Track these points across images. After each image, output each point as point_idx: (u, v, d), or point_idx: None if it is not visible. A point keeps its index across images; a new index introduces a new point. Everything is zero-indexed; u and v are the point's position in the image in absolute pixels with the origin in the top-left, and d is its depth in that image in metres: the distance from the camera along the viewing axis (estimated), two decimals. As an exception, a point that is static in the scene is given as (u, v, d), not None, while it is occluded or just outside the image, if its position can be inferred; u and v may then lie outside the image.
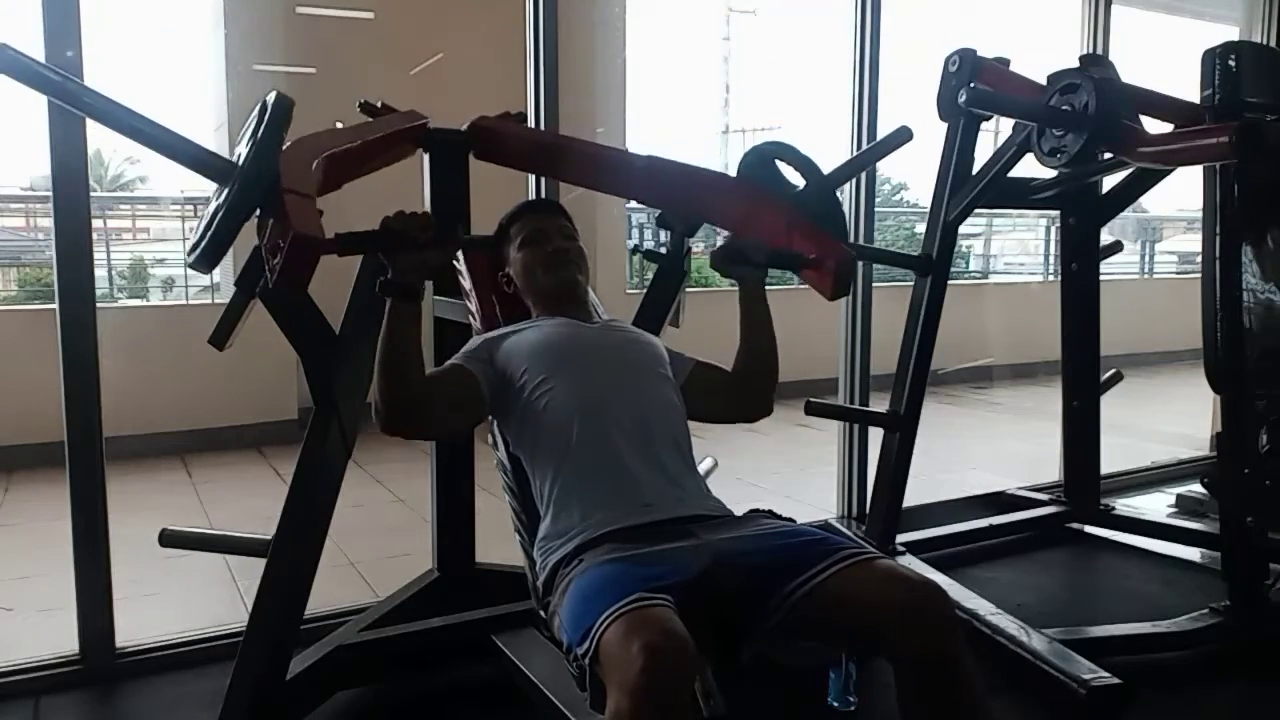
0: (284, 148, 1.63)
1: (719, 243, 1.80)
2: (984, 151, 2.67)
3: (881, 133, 3.05)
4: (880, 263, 3.16)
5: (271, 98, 1.65)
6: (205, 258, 1.57)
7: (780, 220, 1.86)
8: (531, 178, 2.58)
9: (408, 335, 1.45)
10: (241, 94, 4.76)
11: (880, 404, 2.86)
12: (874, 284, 3.17)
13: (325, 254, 1.43)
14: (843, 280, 1.75)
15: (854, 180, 3.10)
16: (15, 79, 1.51)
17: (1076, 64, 2.52)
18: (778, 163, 1.96)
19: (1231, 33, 4.27)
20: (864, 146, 3.05)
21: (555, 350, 1.64)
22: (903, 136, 2.12)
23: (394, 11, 5.14)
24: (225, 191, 1.58)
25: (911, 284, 2.75)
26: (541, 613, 1.55)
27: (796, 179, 1.97)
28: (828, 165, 1.99)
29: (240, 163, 1.60)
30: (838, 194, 2.00)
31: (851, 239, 3.10)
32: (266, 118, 1.61)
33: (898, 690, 1.34)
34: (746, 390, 1.73)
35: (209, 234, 1.56)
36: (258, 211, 1.56)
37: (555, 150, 2.24)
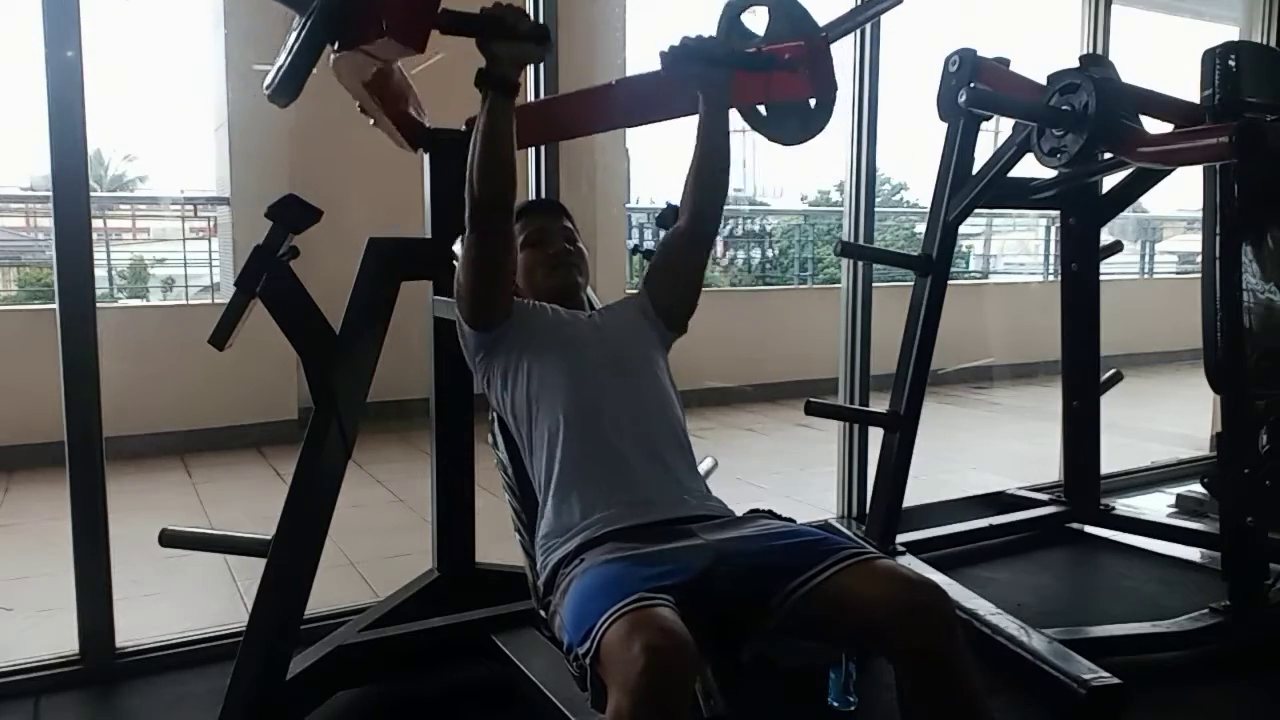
0: None
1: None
2: (984, 151, 2.67)
3: (882, 133, 3.06)
4: (880, 263, 3.16)
5: None
6: (285, 86, 1.51)
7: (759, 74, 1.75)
8: (532, 178, 2.58)
9: (505, 128, 1.47)
10: (241, 94, 4.76)
11: (880, 404, 2.86)
12: (874, 284, 3.17)
13: (430, 28, 1.41)
14: (823, 69, 1.65)
15: (854, 180, 3.10)
16: None
17: (1076, 64, 2.52)
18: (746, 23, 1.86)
19: (1231, 33, 4.27)
20: (864, 147, 3.05)
21: (560, 342, 1.65)
22: None
23: (394, 11, 5.13)
24: (307, 14, 1.51)
25: (911, 284, 2.75)
26: (542, 612, 1.55)
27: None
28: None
29: None
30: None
31: (851, 239, 3.11)
32: None
33: (898, 690, 1.34)
34: (700, 205, 1.72)
35: (289, 60, 1.50)
36: (336, 45, 1.50)
37: (541, 115, 2.22)
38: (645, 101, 1.99)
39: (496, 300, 1.63)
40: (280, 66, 1.52)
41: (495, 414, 1.74)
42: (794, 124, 1.87)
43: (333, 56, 1.57)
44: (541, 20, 2.54)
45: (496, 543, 2.26)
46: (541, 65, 2.56)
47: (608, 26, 5.57)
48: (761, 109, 1.91)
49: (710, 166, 1.71)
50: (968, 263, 9.23)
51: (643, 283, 1.80)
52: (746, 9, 1.87)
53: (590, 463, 1.55)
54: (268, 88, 1.55)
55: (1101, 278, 3.09)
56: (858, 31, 3.07)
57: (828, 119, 1.80)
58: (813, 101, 1.80)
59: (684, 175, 1.73)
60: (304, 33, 1.49)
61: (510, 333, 1.64)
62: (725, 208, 1.83)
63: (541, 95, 2.55)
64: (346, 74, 1.72)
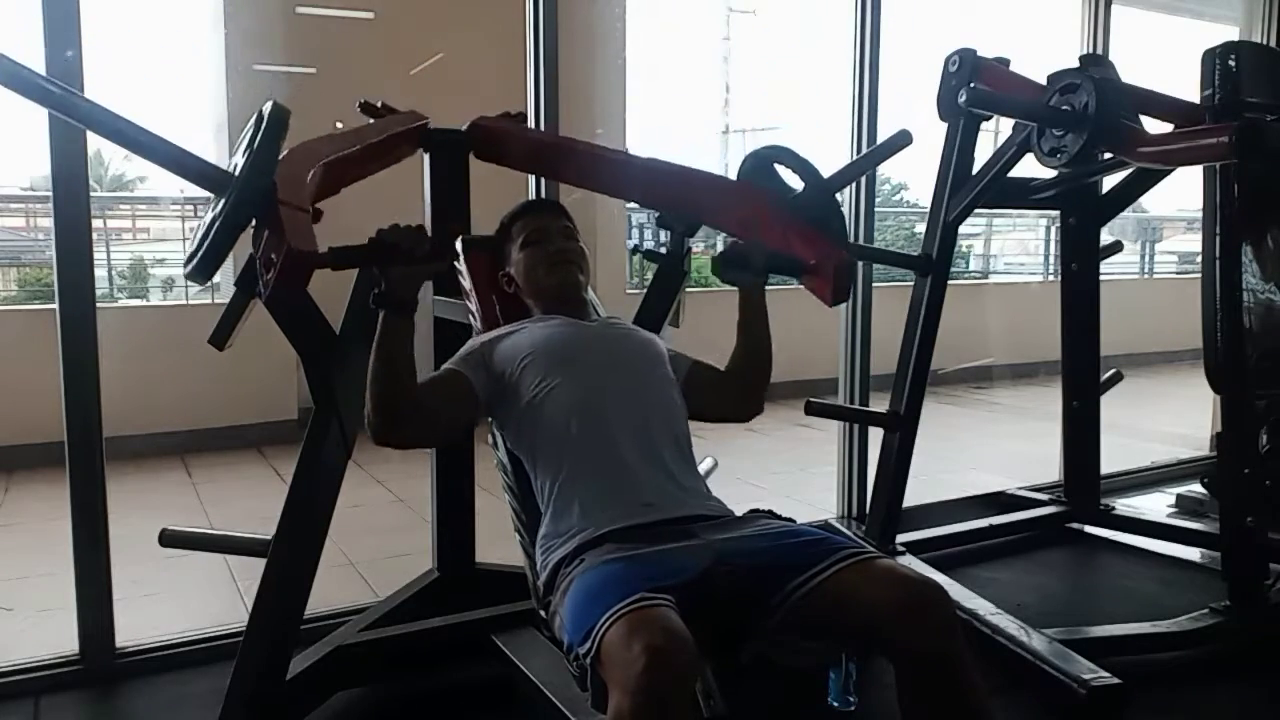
0: (281, 157, 1.64)
1: (719, 245, 1.80)
2: (984, 151, 2.67)
3: (882, 133, 3.06)
4: (880, 263, 3.16)
5: (268, 108, 1.65)
6: (201, 269, 1.59)
7: (779, 224, 1.86)
8: (531, 178, 2.57)
9: (400, 346, 1.45)
10: (241, 94, 4.76)
11: (880, 404, 2.85)
12: (874, 284, 3.17)
13: (319, 268, 1.44)
14: (842, 286, 1.76)
15: (854, 182, 3.10)
16: (11, 89, 1.51)
17: (1076, 64, 2.52)
18: (777, 167, 1.96)
19: (1231, 33, 4.27)
20: (864, 147, 3.05)
21: (555, 350, 1.64)
22: (902, 141, 2.11)
23: (394, 11, 5.14)
24: (221, 202, 1.59)
25: (911, 284, 2.75)
26: (542, 612, 1.55)
27: (796, 183, 1.97)
28: (827, 168, 1.99)
29: (236, 174, 1.60)
30: (837, 198, 1.99)
31: (851, 239, 3.11)
32: (263, 129, 1.62)
33: (898, 690, 1.34)
34: (742, 390, 1.75)
35: (205, 245, 1.58)
36: (253, 222, 1.56)
37: (555, 151, 2.24)
38: (665, 192, 2.04)
39: (464, 423, 1.69)
40: (197, 249, 1.60)
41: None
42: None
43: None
44: (541, 23, 2.54)
45: (496, 543, 2.26)
46: (540, 67, 2.56)
47: (608, 27, 5.58)
48: None
49: (754, 358, 1.74)
50: (968, 263, 9.22)
51: (686, 366, 1.76)
52: (776, 162, 1.95)
53: (593, 467, 1.54)
54: (186, 269, 1.63)
55: (1101, 278, 3.09)
56: (858, 31, 3.07)
57: (845, 298, 1.89)
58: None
59: (729, 355, 1.76)
60: (221, 216, 1.56)
61: (497, 387, 1.63)
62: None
63: (542, 106, 2.55)
64: None
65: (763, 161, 1.95)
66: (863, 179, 3.07)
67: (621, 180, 2.14)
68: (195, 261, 1.59)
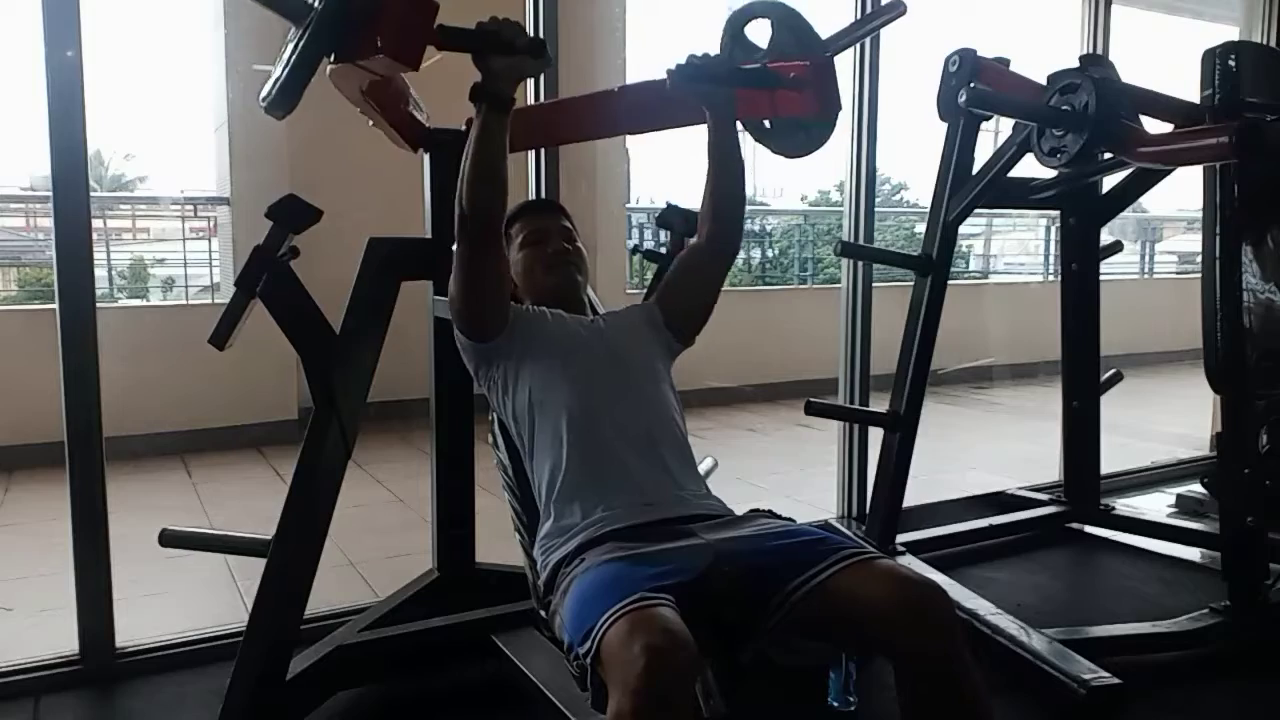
0: None
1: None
2: (984, 151, 2.67)
3: (881, 133, 3.06)
4: (880, 263, 3.16)
5: None
6: (282, 99, 1.50)
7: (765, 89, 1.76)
8: (532, 178, 2.58)
9: (497, 144, 1.47)
10: (241, 94, 4.76)
11: (880, 404, 2.85)
12: (874, 284, 3.17)
13: (428, 45, 1.40)
14: (827, 88, 1.66)
15: (854, 180, 3.10)
16: None
17: (1076, 64, 2.52)
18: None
19: (1231, 33, 4.27)
20: (864, 147, 3.05)
21: (560, 347, 1.65)
22: (897, 9, 1.99)
23: (394, 11, 5.13)
24: (303, 28, 1.50)
25: (911, 284, 2.75)
26: (542, 612, 1.55)
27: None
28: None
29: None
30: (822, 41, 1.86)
31: (851, 239, 3.11)
32: None
33: (898, 690, 1.34)
34: (718, 223, 1.71)
35: (286, 73, 1.49)
36: (332, 58, 1.50)
37: (543, 119, 2.22)
38: (648, 110, 1.99)
39: (490, 311, 1.62)
40: (277, 79, 1.52)
41: (495, 415, 1.74)
42: (798, 138, 1.88)
43: (329, 67, 1.57)
44: (541, 23, 2.54)
45: (496, 543, 2.26)
46: (539, 74, 2.56)
47: (608, 27, 5.58)
48: (766, 123, 1.91)
49: (724, 182, 1.70)
50: (968, 263, 9.22)
51: (655, 295, 1.79)
52: (750, 21, 1.87)
53: (592, 466, 1.55)
54: (263, 99, 1.54)
55: (1101, 278, 3.09)
56: (858, 31, 3.07)
57: (830, 133, 1.80)
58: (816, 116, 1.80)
59: (698, 188, 1.73)
60: (300, 45, 1.49)
61: (508, 341, 1.64)
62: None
63: (541, 98, 2.56)
64: (343, 83, 1.72)
65: (737, 27, 1.84)
66: (863, 179, 3.07)
67: (607, 114, 2.10)
68: (275, 90, 1.51)
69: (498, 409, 1.69)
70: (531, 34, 1.45)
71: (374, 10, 1.42)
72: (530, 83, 2.57)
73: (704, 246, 1.74)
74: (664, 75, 1.63)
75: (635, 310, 1.80)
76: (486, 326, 1.63)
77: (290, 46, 1.53)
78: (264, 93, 1.54)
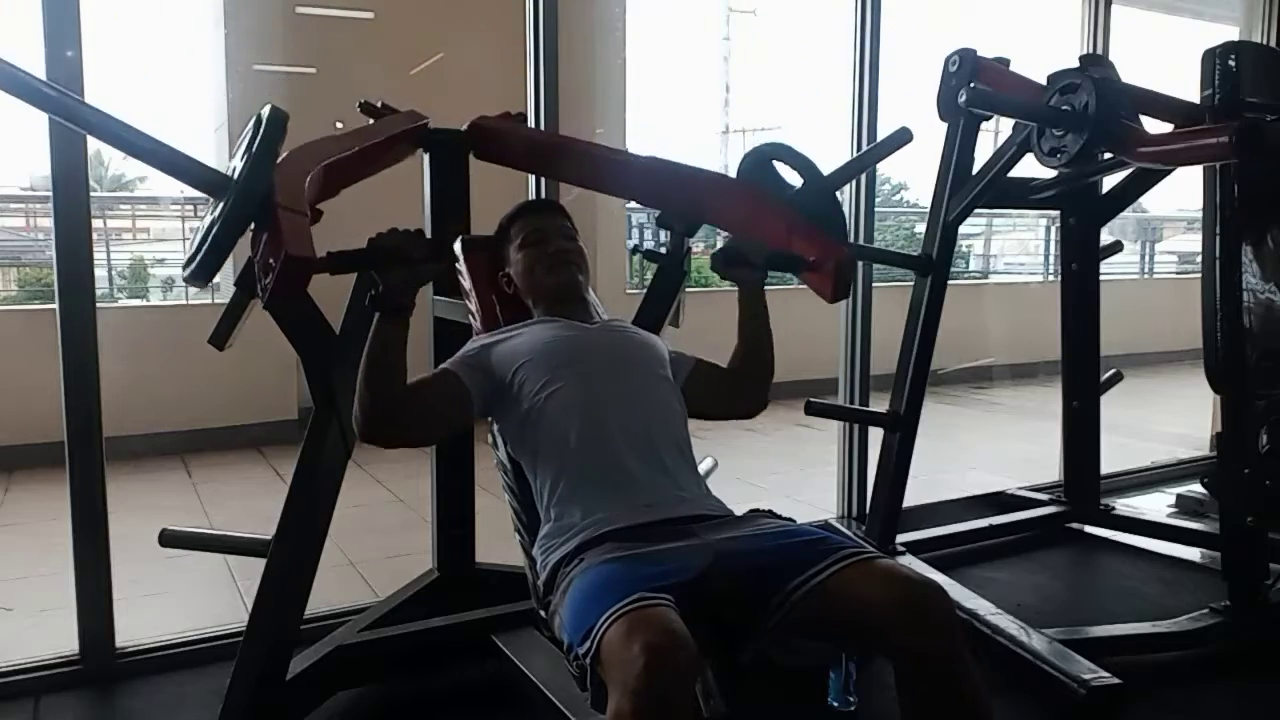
0: (279, 160, 1.64)
1: (719, 243, 1.80)
2: (984, 151, 2.67)
3: (882, 133, 3.05)
4: (880, 263, 3.16)
5: (266, 111, 1.65)
6: (201, 272, 1.59)
7: (780, 222, 1.86)
8: (531, 177, 2.57)
9: (392, 349, 1.45)
10: (241, 94, 4.76)
11: (880, 404, 2.85)
12: (874, 284, 3.17)
13: (317, 273, 1.44)
14: (842, 282, 1.77)
15: (854, 180, 3.10)
16: (11, 94, 1.52)
17: (1076, 64, 2.52)
18: (776, 164, 1.96)
19: (1231, 33, 4.27)
20: (864, 146, 3.05)
21: (555, 353, 1.63)
22: (902, 138, 2.12)
23: (394, 11, 5.14)
24: (220, 206, 1.59)
25: (911, 284, 2.75)
26: (542, 612, 1.55)
27: (796, 180, 1.97)
28: (827, 167, 1.99)
29: (234, 177, 1.60)
30: (837, 195, 2.00)
31: (851, 239, 3.11)
32: (261, 132, 1.62)
33: (898, 690, 1.34)
34: (744, 388, 1.76)
35: (204, 248, 1.58)
36: (252, 225, 1.56)
37: (555, 150, 2.24)
38: (665, 190, 2.04)
39: (452, 418, 1.63)
40: (197, 251, 1.60)
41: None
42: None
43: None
44: (541, 23, 2.54)
45: (496, 543, 2.26)
46: (540, 67, 2.56)
47: (608, 27, 5.58)
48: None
49: (757, 350, 1.74)
50: (968, 263, 9.22)
51: (689, 365, 1.76)
52: (775, 159, 1.97)
53: (593, 469, 1.54)
54: (185, 271, 1.63)
55: (1101, 278, 3.09)
56: (858, 31, 3.08)
57: (844, 296, 1.90)
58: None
59: (730, 353, 1.77)
60: (220, 220, 1.57)
61: (493, 386, 1.62)
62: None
63: (541, 97, 2.55)
64: None
65: (762, 158, 1.96)
66: (863, 179, 3.07)
67: (621, 179, 2.15)
68: (195, 264, 1.60)
69: (497, 421, 1.69)
70: (429, 237, 1.47)
71: (273, 229, 1.50)
72: (530, 99, 2.57)
73: (731, 398, 1.77)
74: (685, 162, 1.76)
75: (654, 341, 1.79)
76: (466, 426, 1.65)
77: (209, 218, 1.62)
78: (184, 264, 1.65)
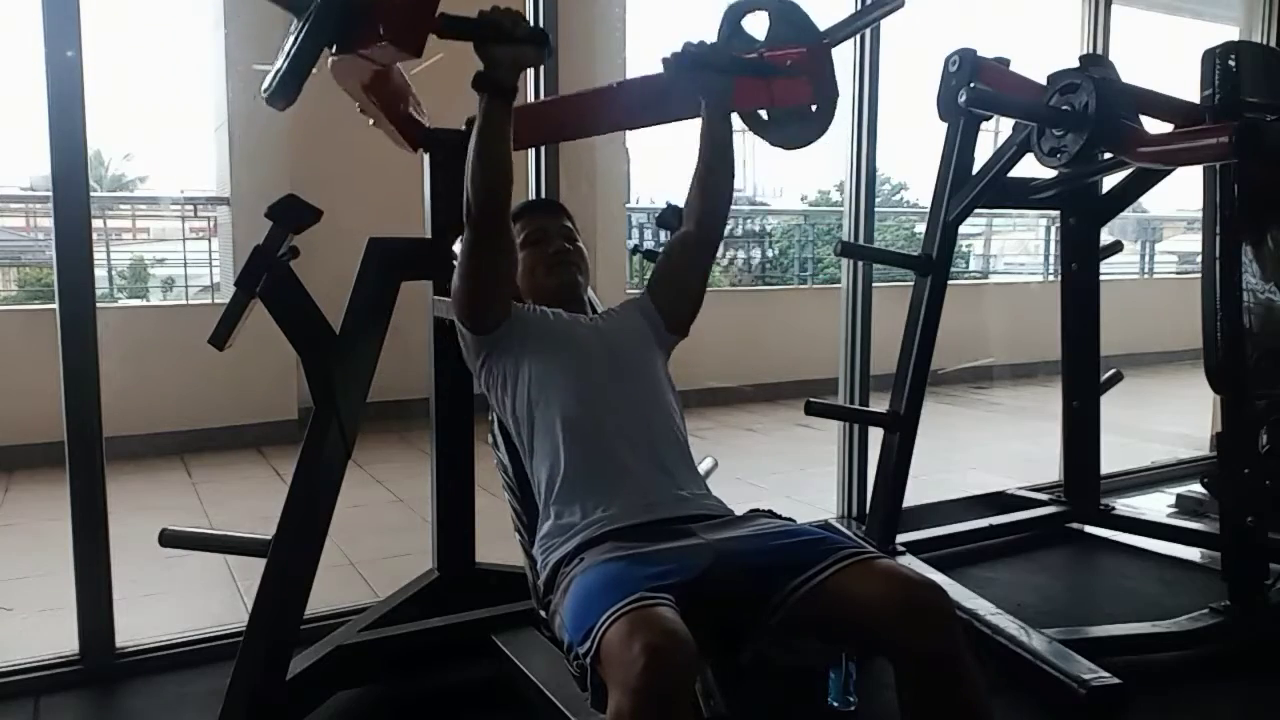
0: None
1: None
2: (984, 151, 2.67)
3: (881, 133, 3.06)
4: (880, 263, 3.16)
5: None
6: (283, 90, 1.51)
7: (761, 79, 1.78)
8: (532, 178, 2.58)
9: (502, 133, 1.48)
10: (241, 94, 4.76)
11: (880, 404, 2.85)
12: (874, 284, 3.17)
13: (429, 33, 1.42)
14: (822, 73, 1.68)
15: (854, 180, 3.10)
16: None
17: (1076, 64, 2.52)
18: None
19: (1231, 33, 4.27)
20: (864, 147, 3.05)
21: (560, 347, 1.65)
22: (896, 2, 2.00)
23: (394, 11, 5.13)
24: (304, 18, 1.51)
25: (911, 284, 2.75)
26: (542, 612, 1.55)
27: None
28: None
29: None
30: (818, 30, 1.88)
31: (851, 239, 3.11)
32: None
33: (898, 690, 1.34)
34: (707, 212, 1.74)
35: (287, 64, 1.50)
36: (334, 48, 1.50)
37: (541, 116, 2.22)
38: (646, 104, 1.99)
39: (495, 302, 1.63)
40: (278, 70, 1.52)
41: (495, 415, 1.74)
42: (795, 129, 1.88)
43: (330, 59, 1.57)
44: (541, 22, 2.54)
45: (496, 543, 2.26)
46: (540, 74, 2.56)
47: (608, 26, 5.57)
48: (763, 113, 1.91)
49: (715, 171, 1.72)
50: (968, 263, 9.22)
51: (646, 286, 1.80)
52: (748, 13, 1.88)
53: (591, 467, 1.55)
54: (265, 90, 1.54)
55: (1101, 278, 3.09)
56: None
57: (829, 123, 1.81)
58: (813, 106, 1.80)
59: (689, 180, 1.74)
60: (301, 36, 1.49)
61: (510, 336, 1.64)
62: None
63: (541, 96, 2.56)
64: (344, 76, 1.72)
65: (735, 18, 1.87)
66: (862, 179, 3.07)
67: (604, 110, 2.10)
68: (277, 81, 1.51)
69: (497, 408, 1.69)
70: (532, 23, 1.45)
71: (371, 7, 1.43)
72: (530, 81, 2.57)
73: (692, 233, 1.76)
74: (661, 65, 1.64)
75: (630, 305, 1.80)
76: (492, 316, 1.64)
77: (291, 38, 1.53)
78: (265, 83, 1.55)
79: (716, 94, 1.69)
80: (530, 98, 2.55)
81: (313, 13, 1.48)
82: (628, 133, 5.86)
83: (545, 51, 1.47)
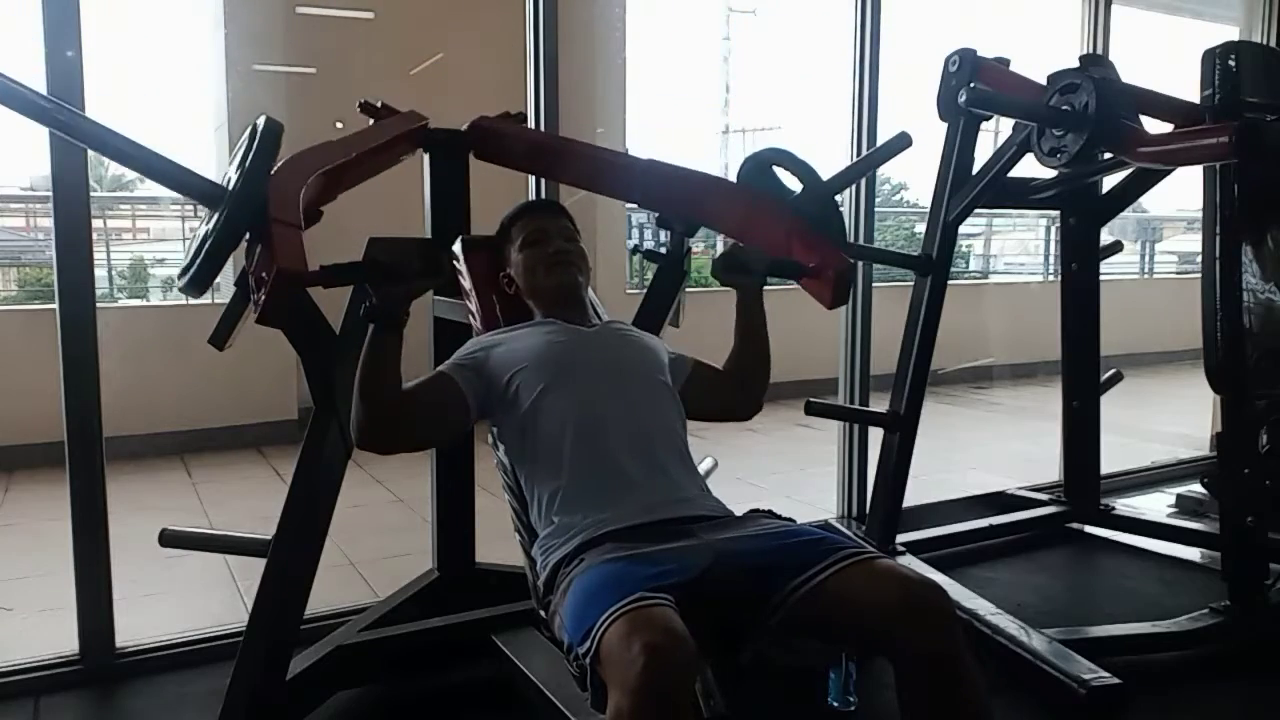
0: (274, 170, 1.63)
1: (719, 245, 1.80)
2: (984, 151, 2.67)
3: (882, 134, 3.06)
4: (880, 263, 3.16)
5: (261, 122, 1.65)
6: (195, 283, 1.59)
7: (779, 227, 1.86)
8: (532, 178, 2.58)
9: (388, 361, 1.44)
10: (241, 94, 4.77)
11: (880, 404, 2.86)
12: (874, 284, 3.17)
13: (309, 286, 1.43)
14: (841, 289, 1.77)
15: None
16: (7, 107, 1.52)
17: (1076, 64, 2.52)
18: (776, 170, 1.96)
19: (1231, 33, 4.27)
20: (864, 147, 3.05)
21: (552, 358, 1.63)
22: (902, 143, 2.10)
23: (394, 11, 5.14)
24: (214, 217, 1.59)
25: (911, 284, 2.75)
26: (542, 612, 1.55)
27: (796, 185, 1.97)
28: (827, 170, 1.99)
29: (229, 188, 1.60)
30: (836, 200, 1.99)
31: (851, 239, 3.11)
32: (255, 143, 1.62)
33: (898, 690, 1.34)
34: (740, 391, 1.77)
35: (199, 259, 1.57)
36: (246, 236, 1.56)
37: (555, 151, 2.24)
38: (665, 194, 2.04)
39: (454, 421, 1.62)
40: (191, 261, 1.61)
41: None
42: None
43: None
44: (541, 21, 2.54)
45: (496, 543, 2.26)
46: (540, 67, 2.56)
47: (608, 26, 5.57)
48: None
49: (753, 354, 1.75)
50: (968, 263, 9.22)
51: (688, 367, 1.76)
52: (775, 164, 1.96)
53: (592, 477, 1.54)
54: (180, 279, 1.65)
55: (1101, 278, 3.09)
56: (858, 31, 3.07)
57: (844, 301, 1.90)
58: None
59: (725, 357, 1.77)
60: (216, 231, 1.58)
61: (491, 397, 1.62)
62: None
63: (541, 97, 2.55)
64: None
65: (762, 164, 1.96)
66: (862, 179, 3.07)
67: (621, 182, 2.15)
68: (190, 275, 1.60)
69: (496, 428, 1.69)
70: (423, 250, 1.41)
71: (266, 242, 1.51)
72: (530, 99, 2.57)
73: (728, 400, 1.77)
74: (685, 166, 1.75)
75: (660, 345, 1.79)
76: (464, 430, 1.67)
77: (204, 227, 1.62)
78: (180, 271, 1.66)
79: (751, 289, 1.73)
80: (529, 104, 2.56)
81: (222, 212, 1.57)
82: (628, 133, 5.88)
83: (440, 277, 1.44)
